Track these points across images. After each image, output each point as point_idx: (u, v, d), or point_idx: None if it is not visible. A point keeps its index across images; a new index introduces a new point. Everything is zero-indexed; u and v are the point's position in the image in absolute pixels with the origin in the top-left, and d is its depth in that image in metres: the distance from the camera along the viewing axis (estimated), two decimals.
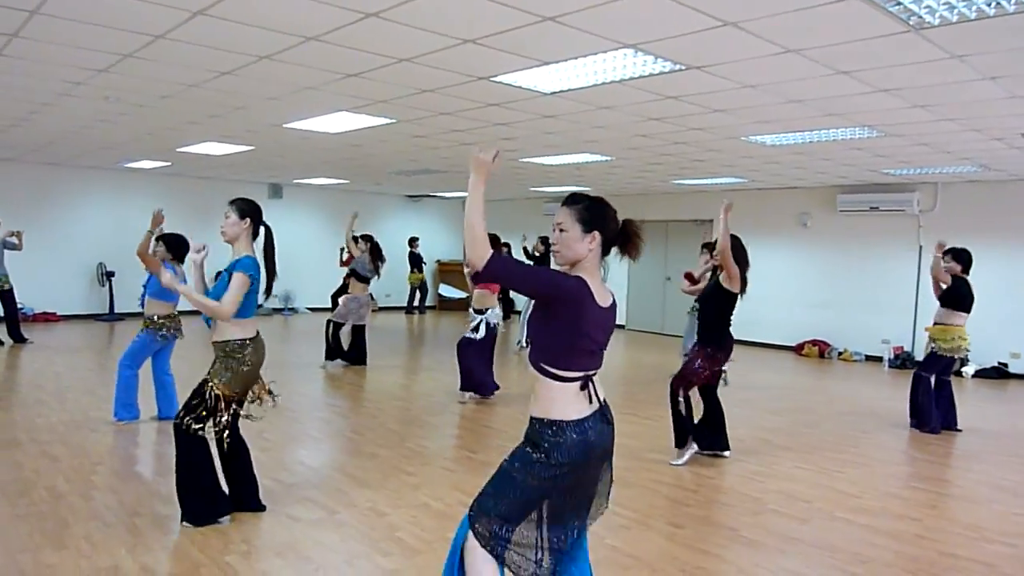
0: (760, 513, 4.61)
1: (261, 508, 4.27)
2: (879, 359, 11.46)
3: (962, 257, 6.82)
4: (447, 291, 15.77)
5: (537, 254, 11.91)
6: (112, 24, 4.34)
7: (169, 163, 12.00)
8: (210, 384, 3.95)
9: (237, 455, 4.20)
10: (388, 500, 4.57)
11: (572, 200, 2.57)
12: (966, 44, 4.23)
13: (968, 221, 10.55)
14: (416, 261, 16.65)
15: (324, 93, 6.01)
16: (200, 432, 3.97)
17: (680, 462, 5.53)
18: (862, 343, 11.83)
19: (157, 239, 6.22)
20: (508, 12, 3.92)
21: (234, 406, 4.05)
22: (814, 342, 12.16)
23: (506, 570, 2.55)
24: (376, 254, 9.43)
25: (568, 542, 2.58)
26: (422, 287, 16.92)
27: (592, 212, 2.53)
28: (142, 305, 6.38)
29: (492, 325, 7.57)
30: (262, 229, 4.16)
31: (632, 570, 3.67)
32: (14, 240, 10.18)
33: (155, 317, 6.22)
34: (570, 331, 2.44)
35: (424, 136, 8.12)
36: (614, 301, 2.61)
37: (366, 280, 9.38)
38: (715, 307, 5.49)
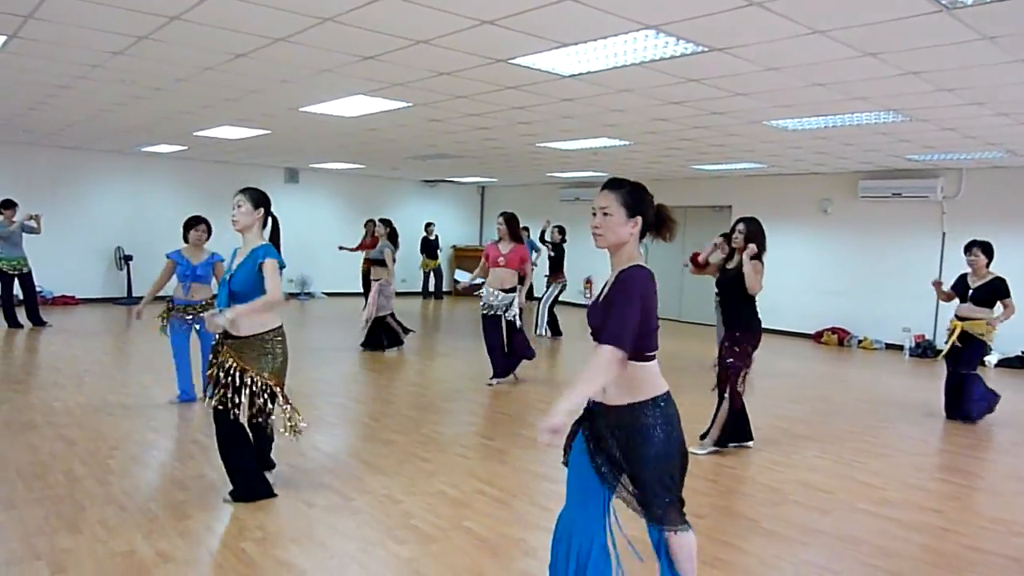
0: (781, 504, 4.54)
1: (272, 495, 4.28)
2: (900, 347, 11.31)
3: (989, 250, 6.75)
4: (463, 276, 15.73)
5: (553, 242, 11.77)
6: (127, 5, 4.29)
7: (186, 147, 12.00)
8: (257, 377, 3.99)
9: (262, 440, 4.35)
10: (403, 487, 4.54)
11: (615, 184, 2.62)
12: (998, 25, 4.10)
13: (993, 208, 10.36)
14: (430, 247, 16.59)
15: (340, 76, 5.95)
16: (238, 417, 4.04)
17: (701, 452, 5.44)
18: (882, 331, 11.67)
19: (199, 220, 6.47)
20: None
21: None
22: (833, 330, 12.01)
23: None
24: (393, 238, 9.42)
25: None
26: (436, 272, 16.87)
27: (635, 197, 2.60)
28: (186, 292, 6.37)
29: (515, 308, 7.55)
30: (270, 219, 4.19)
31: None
32: (32, 224, 10.22)
33: (203, 301, 6.35)
34: (650, 316, 2.57)
35: (440, 120, 8.05)
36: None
37: (382, 263, 9.34)
38: (743, 293, 5.35)
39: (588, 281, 15.56)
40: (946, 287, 7.10)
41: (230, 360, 4.01)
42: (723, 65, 5.16)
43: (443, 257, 17.41)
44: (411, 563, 3.51)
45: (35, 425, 5.51)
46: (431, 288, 16.89)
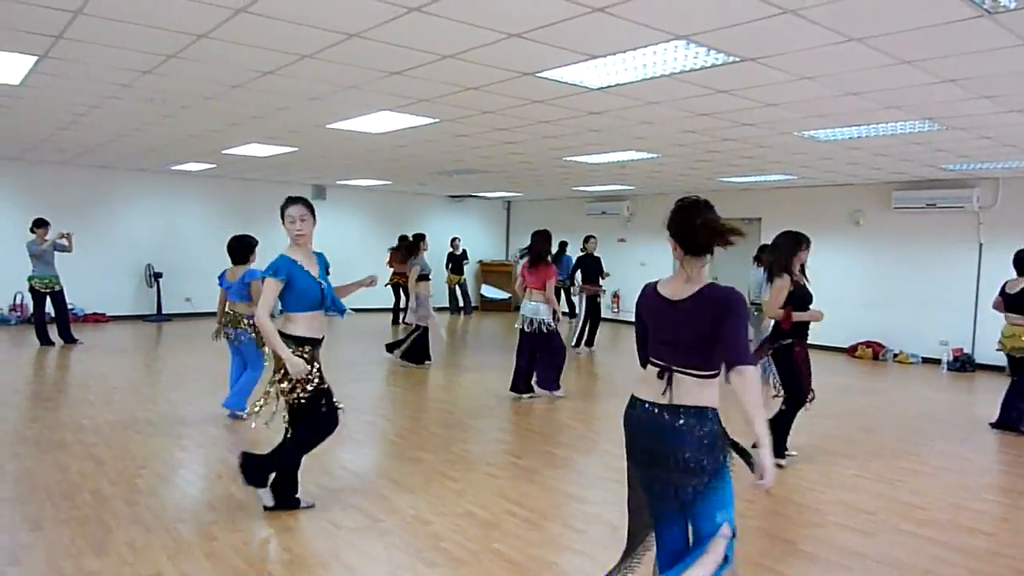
0: (820, 525, 4.39)
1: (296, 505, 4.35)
2: (937, 361, 11.02)
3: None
4: (489, 291, 15.66)
5: (582, 253, 11.68)
6: (155, 24, 4.31)
7: (214, 165, 12.10)
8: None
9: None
10: (432, 507, 4.46)
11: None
12: None
13: None
14: (456, 261, 16.52)
15: (367, 92, 5.93)
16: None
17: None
18: (919, 345, 11.39)
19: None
20: (556, 4, 3.78)
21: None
22: (868, 343, 11.76)
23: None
24: (413, 251, 9.66)
25: None
26: (463, 287, 16.78)
27: (672, 221, 2.72)
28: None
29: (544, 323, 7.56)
30: None
31: None
32: (64, 242, 10.34)
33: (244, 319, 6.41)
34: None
35: (467, 135, 8.02)
36: (696, 293, 2.65)
37: (427, 278, 9.46)
38: (796, 306, 5.40)
39: (616, 296, 15.43)
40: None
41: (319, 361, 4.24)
42: (755, 75, 5.06)
43: (469, 272, 17.35)
44: None
45: (65, 444, 5.52)
46: (460, 303, 16.81)
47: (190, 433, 5.99)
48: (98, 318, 13.08)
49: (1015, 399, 6.78)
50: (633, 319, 2.98)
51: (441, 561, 3.71)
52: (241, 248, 6.43)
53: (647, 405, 2.72)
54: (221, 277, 6.54)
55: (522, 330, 7.65)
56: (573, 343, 11.33)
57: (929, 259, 11.28)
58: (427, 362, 9.58)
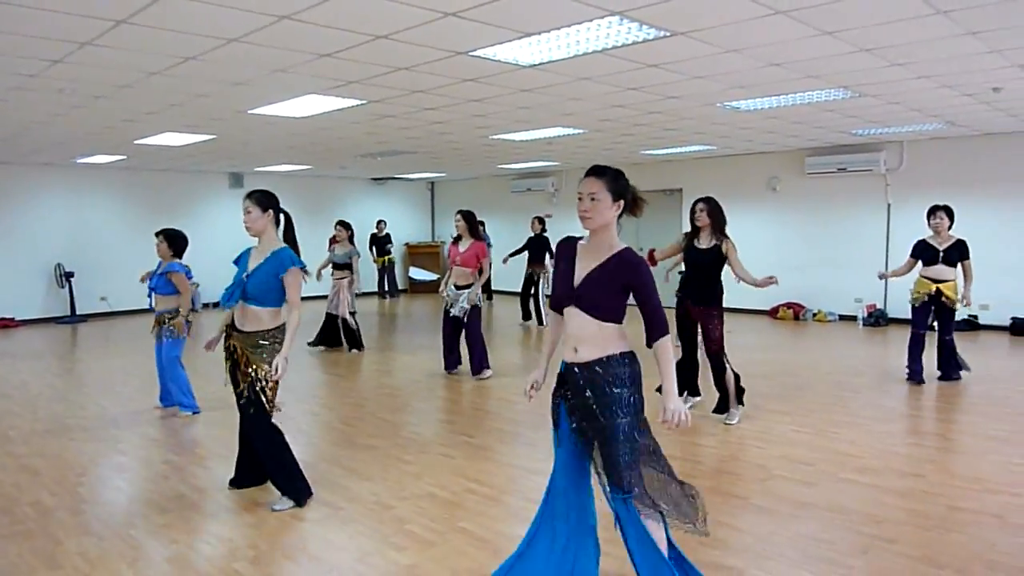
0: (767, 480, 4.60)
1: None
2: (853, 318, 11.62)
3: (951, 213, 7.09)
4: (417, 274, 15.52)
5: (533, 233, 11.84)
6: (72, 10, 4.08)
7: (125, 156, 11.56)
8: (263, 371, 4.06)
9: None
10: (391, 492, 4.45)
11: (600, 171, 2.88)
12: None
13: (934, 178, 10.70)
14: (379, 243, 16.32)
15: (295, 76, 5.78)
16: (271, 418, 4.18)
17: (736, 421, 5.83)
18: (835, 303, 11.97)
19: (157, 234, 6.39)
20: None
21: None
22: (788, 305, 12.26)
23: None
24: (353, 241, 9.73)
25: None
26: (389, 269, 16.60)
27: (620, 182, 2.87)
28: (151, 304, 6.44)
29: (474, 304, 7.54)
30: (282, 216, 4.29)
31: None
32: None
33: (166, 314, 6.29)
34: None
35: (394, 116, 7.91)
36: (617, 251, 2.86)
37: (348, 266, 9.44)
38: (717, 272, 5.79)
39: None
40: (904, 256, 7.34)
41: (238, 350, 4.12)
42: (684, 49, 5.17)
43: (396, 255, 17.18)
44: (413, 570, 3.44)
45: None
46: (386, 286, 16.64)
47: (127, 436, 5.77)
48: (6, 323, 12.38)
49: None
50: None
51: (409, 544, 3.71)
52: (182, 240, 6.36)
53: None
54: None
55: (447, 312, 7.70)
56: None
57: (842, 221, 11.82)
58: (363, 346, 9.60)
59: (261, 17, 4.28)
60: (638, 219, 2.97)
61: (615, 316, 2.82)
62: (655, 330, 2.78)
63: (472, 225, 7.60)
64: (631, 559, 2.86)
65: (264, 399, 4.10)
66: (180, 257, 6.30)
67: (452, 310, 7.58)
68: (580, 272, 2.86)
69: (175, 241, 6.29)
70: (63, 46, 4.83)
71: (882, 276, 7.69)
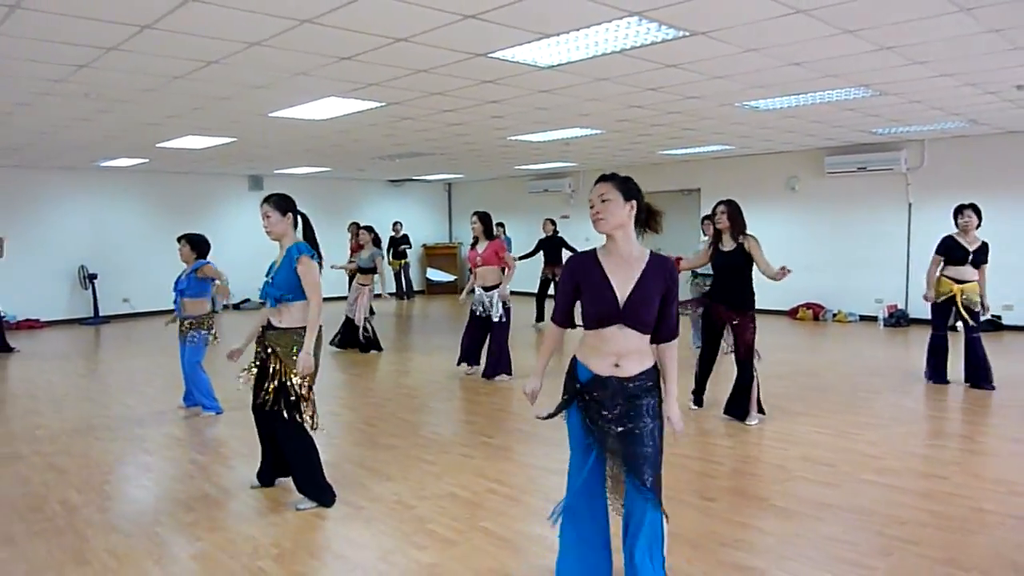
0: (788, 481, 4.58)
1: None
2: (874, 319, 11.53)
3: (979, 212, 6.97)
4: (435, 275, 15.59)
5: (545, 235, 11.87)
6: (98, 16, 4.14)
7: (147, 160, 11.70)
8: (291, 372, 4.10)
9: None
10: (412, 491, 4.48)
11: (609, 176, 2.90)
12: None
13: (955, 177, 10.59)
14: (396, 245, 16.37)
15: (315, 79, 5.83)
16: (301, 419, 4.19)
17: (755, 423, 5.83)
18: (856, 304, 11.88)
19: (179, 239, 6.47)
20: None
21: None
22: (808, 305, 12.19)
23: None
24: (378, 244, 9.75)
25: None
26: (405, 271, 16.65)
27: (629, 184, 2.89)
28: (177, 308, 6.46)
29: (507, 305, 7.63)
30: (299, 218, 4.34)
31: (673, 547, 3.60)
32: None
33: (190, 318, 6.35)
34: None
35: (413, 118, 7.96)
36: (650, 258, 2.86)
37: (372, 270, 9.48)
38: (747, 273, 5.82)
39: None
40: (925, 255, 7.23)
41: (274, 352, 4.17)
42: (703, 49, 5.17)
43: (413, 256, 17.24)
44: (434, 568, 3.46)
45: (21, 455, 5.34)
46: (403, 288, 16.70)
47: (152, 435, 5.85)
48: (32, 324, 12.57)
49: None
50: None
51: (430, 543, 3.74)
52: (205, 244, 6.47)
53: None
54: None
55: (475, 314, 7.73)
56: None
57: (862, 220, 11.73)
58: (381, 348, 9.70)
59: (283, 21, 4.33)
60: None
61: (653, 327, 2.86)
62: (672, 332, 2.91)
63: (487, 226, 7.62)
64: (635, 558, 2.83)
65: (300, 406, 4.15)
66: (204, 257, 6.40)
67: (483, 312, 7.58)
68: (622, 289, 2.79)
69: (198, 245, 6.38)
70: (89, 51, 4.91)
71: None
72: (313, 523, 4.04)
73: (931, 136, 10.48)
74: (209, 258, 6.44)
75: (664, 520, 2.85)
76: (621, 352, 2.81)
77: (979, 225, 6.91)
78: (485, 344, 7.79)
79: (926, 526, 3.85)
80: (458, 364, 7.95)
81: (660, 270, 2.83)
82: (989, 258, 6.92)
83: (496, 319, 7.52)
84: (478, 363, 7.89)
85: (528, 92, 6.64)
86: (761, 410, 5.94)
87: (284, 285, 4.15)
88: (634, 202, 2.84)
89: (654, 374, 2.87)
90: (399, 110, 7.41)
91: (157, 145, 9.76)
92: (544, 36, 4.78)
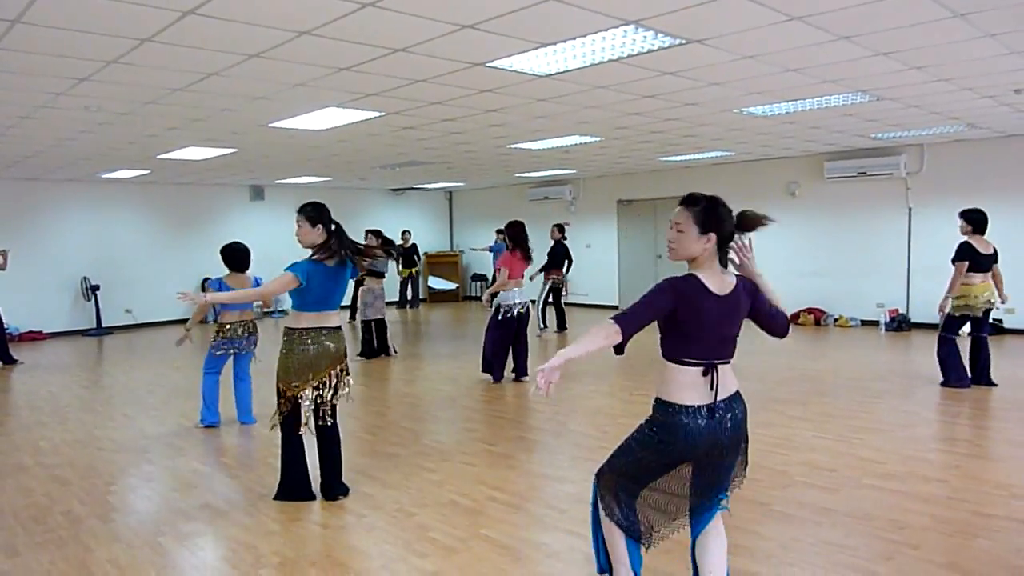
0: (789, 486, 4.58)
1: (344, 491, 4.55)
2: (875, 323, 11.53)
3: (971, 218, 7.00)
4: (436, 283, 15.62)
5: (553, 240, 11.90)
6: (98, 30, 4.18)
7: (148, 171, 11.75)
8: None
9: (325, 442, 4.53)
10: (413, 499, 4.49)
11: (690, 201, 2.72)
12: (969, 1, 4.18)
13: (955, 181, 10.61)
14: (406, 255, 16.41)
15: (315, 89, 5.87)
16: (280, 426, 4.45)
17: None
18: (857, 308, 11.88)
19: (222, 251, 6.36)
20: None
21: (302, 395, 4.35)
22: (809, 310, 12.19)
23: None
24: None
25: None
26: (413, 280, 16.70)
27: (708, 215, 2.67)
28: (215, 315, 6.59)
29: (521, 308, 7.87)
30: (332, 227, 4.43)
31: (674, 553, 3.61)
32: None
33: (227, 325, 6.32)
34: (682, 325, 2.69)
35: (413, 128, 7.99)
36: (736, 287, 2.74)
37: (380, 275, 9.56)
38: None
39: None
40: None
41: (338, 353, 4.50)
42: (699, 56, 5.19)
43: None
44: None
45: (24, 467, 5.35)
46: (408, 296, 16.73)
47: (155, 447, 5.86)
48: (35, 336, 12.60)
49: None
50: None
51: (432, 551, 3.75)
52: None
53: (704, 409, 2.67)
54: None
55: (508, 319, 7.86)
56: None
57: (862, 225, 11.74)
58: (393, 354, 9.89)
59: (282, 33, 4.36)
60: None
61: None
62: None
63: (506, 235, 8.15)
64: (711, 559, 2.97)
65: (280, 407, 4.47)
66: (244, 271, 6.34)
67: (512, 312, 7.78)
68: (734, 322, 2.73)
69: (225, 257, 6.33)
70: (89, 65, 4.94)
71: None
72: (314, 532, 4.05)
73: (930, 140, 10.50)
74: (208, 269, 6.46)
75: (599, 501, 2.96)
76: (724, 379, 2.78)
77: (974, 231, 7.00)
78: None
79: (928, 530, 3.86)
80: (499, 380, 8.00)
81: (746, 295, 2.77)
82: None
83: (524, 312, 7.86)
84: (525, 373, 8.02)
85: (527, 100, 6.67)
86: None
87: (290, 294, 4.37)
88: (713, 235, 2.65)
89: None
90: (399, 120, 7.45)
91: (158, 156, 9.80)
92: (541, 45, 4.81)
